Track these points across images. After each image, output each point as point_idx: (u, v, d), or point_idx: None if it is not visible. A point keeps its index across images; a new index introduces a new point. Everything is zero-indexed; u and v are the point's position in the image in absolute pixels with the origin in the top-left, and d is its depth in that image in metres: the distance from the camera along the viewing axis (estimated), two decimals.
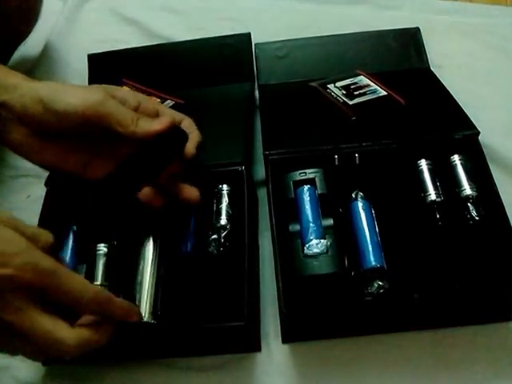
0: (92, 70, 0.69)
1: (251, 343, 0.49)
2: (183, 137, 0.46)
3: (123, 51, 0.69)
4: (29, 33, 0.69)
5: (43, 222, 0.53)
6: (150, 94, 0.63)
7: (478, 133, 0.54)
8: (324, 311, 0.46)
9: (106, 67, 0.68)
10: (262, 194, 0.58)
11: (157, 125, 0.44)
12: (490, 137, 0.58)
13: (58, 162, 0.45)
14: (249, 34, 0.67)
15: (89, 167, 0.45)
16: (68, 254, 0.50)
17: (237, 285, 0.46)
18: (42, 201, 0.54)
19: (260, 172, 0.60)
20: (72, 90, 0.43)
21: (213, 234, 0.50)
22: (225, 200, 0.52)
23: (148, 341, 0.47)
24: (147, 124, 0.44)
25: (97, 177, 0.45)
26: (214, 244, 0.50)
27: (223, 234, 0.50)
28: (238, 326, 0.43)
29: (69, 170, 0.45)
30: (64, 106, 0.42)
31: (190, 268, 0.49)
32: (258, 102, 0.65)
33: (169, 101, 0.62)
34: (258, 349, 0.49)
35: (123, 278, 0.49)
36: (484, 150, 0.54)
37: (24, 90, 0.42)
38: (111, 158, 0.45)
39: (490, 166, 0.52)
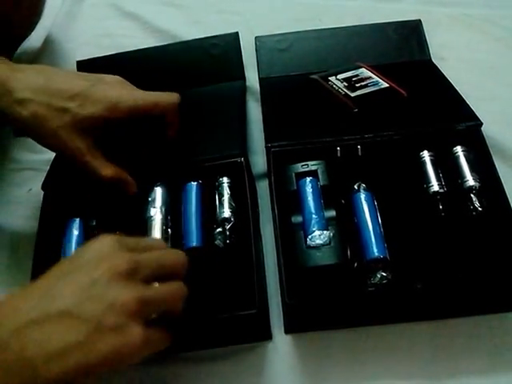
0: None
1: (263, 331, 0.49)
2: None
3: (112, 56, 0.68)
4: (31, 31, 0.69)
5: (45, 216, 0.53)
6: None
7: (481, 124, 0.54)
8: (327, 302, 0.46)
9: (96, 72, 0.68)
10: (261, 186, 0.58)
11: None
12: (493, 128, 0.58)
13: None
14: (236, 34, 0.66)
15: None
16: (72, 247, 0.50)
17: (246, 275, 0.46)
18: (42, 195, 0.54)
19: (258, 166, 0.60)
20: None
21: (217, 228, 0.50)
22: (226, 192, 0.51)
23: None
24: None
25: None
26: (219, 237, 0.50)
27: (228, 227, 0.50)
28: (251, 314, 0.44)
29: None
30: None
31: (199, 262, 0.48)
32: (259, 94, 0.64)
33: None
34: (269, 337, 0.49)
35: None
36: (487, 140, 0.53)
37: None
38: None
39: (492, 156, 0.52)
